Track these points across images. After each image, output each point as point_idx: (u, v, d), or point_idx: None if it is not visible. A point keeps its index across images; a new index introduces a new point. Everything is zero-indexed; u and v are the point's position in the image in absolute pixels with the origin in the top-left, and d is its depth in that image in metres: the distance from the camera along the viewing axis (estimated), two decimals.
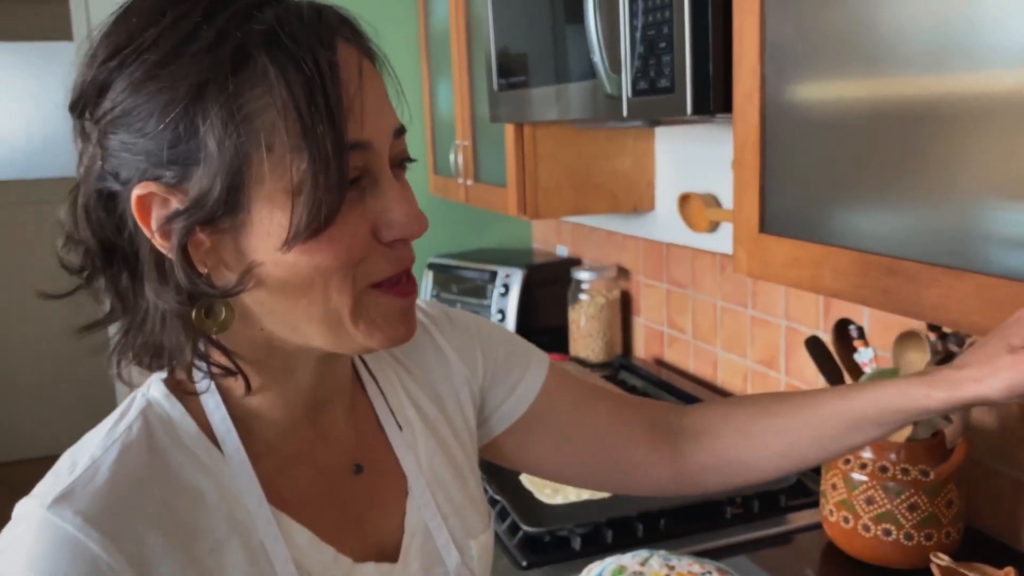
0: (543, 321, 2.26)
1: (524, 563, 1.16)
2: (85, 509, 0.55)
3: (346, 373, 0.71)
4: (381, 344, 0.61)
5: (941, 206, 0.79)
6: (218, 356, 0.61)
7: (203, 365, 0.60)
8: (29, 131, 4.04)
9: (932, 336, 1.13)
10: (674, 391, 1.82)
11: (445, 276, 2.42)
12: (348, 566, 0.65)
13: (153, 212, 0.56)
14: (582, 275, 2.11)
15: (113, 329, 0.63)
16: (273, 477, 0.63)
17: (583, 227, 2.35)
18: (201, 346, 0.60)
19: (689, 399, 1.76)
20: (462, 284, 2.37)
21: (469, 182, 2.14)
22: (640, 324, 2.11)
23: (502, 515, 1.27)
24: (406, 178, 0.63)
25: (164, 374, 0.64)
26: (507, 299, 2.24)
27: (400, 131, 0.61)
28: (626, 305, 2.15)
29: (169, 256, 0.56)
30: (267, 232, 0.55)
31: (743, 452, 0.80)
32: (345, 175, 0.55)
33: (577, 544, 1.19)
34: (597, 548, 1.18)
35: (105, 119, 0.56)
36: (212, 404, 0.62)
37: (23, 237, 3.98)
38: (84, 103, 0.58)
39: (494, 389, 0.84)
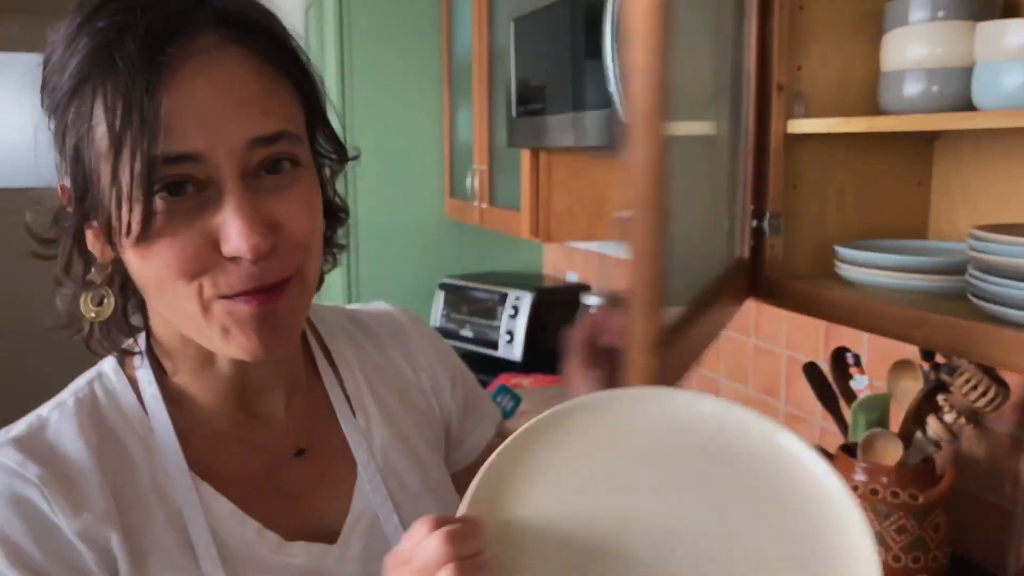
0: (551, 343, 2.30)
1: None
2: (26, 450, 0.62)
3: (289, 361, 0.74)
4: (238, 353, 0.62)
5: None
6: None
7: (114, 337, 0.68)
8: (29, 140, 4.13)
9: (925, 365, 1.17)
10: None
11: (456, 296, 2.47)
12: (275, 542, 0.67)
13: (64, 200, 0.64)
14: (591, 300, 2.16)
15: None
16: (202, 451, 0.68)
17: (593, 254, 2.40)
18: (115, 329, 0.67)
19: None
20: (472, 305, 2.42)
21: (484, 205, 2.20)
22: None
23: None
24: (312, 186, 0.64)
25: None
26: (516, 321, 2.29)
27: (261, 140, 0.59)
28: None
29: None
30: (114, 231, 0.58)
31: None
32: (148, 187, 0.56)
33: None
34: None
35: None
36: (146, 380, 0.68)
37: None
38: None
39: (456, 425, 0.87)
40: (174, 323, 0.65)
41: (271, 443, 0.71)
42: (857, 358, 1.26)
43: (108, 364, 0.70)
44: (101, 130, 0.57)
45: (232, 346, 0.62)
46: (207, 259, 0.58)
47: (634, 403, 0.61)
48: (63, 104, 0.59)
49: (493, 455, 0.58)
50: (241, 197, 0.58)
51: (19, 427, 0.65)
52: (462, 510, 0.55)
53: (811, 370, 1.28)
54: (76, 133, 0.59)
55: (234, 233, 0.57)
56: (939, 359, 1.16)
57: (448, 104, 2.55)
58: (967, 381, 1.07)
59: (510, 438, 0.60)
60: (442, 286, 2.54)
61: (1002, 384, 1.06)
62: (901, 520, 1.12)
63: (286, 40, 0.64)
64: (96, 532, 0.60)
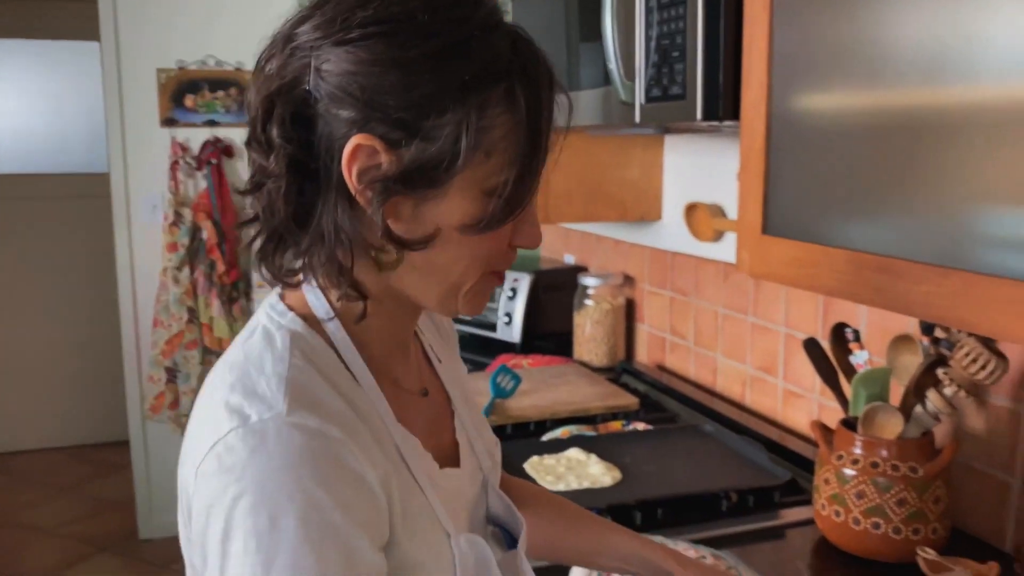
0: (549, 325, 2.31)
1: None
2: (314, 411, 0.62)
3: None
4: (471, 312, 0.73)
5: (933, 210, 0.84)
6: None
7: (347, 290, 0.68)
8: (52, 128, 4.12)
9: (925, 340, 1.18)
10: (675, 395, 1.87)
11: None
12: (440, 471, 0.76)
13: (359, 160, 0.63)
14: (588, 281, 2.16)
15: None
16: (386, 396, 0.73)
17: (590, 236, 2.40)
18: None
19: (690, 403, 1.81)
20: None
21: None
22: (643, 331, 2.16)
23: None
24: None
25: (277, 302, 0.71)
26: (515, 303, 2.29)
27: None
28: (630, 312, 2.20)
29: (363, 204, 0.64)
30: (452, 213, 0.65)
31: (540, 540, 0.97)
32: (535, 192, 0.69)
33: None
34: None
35: (350, 53, 0.62)
36: (339, 335, 0.70)
37: (44, 230, 4.06)
38: (332, 21, 0.63)
39: None
40: (417, 280, 0.69)
41: (412, 386, 0.79)
42: (856, 333, 1.27)
43: (290, 321, 0.69)
44: (500, 133, 0.64)
45: (466, 307, 0.72)
46: (504, 245, 0.71)
47: None
48: (453, 89, 0.62)
49: None
50: (534, 204, 0.71)
51: (276, 390, 0.63)
52: None
53: (811, 346, 1.29)
54: (466, 123, 0.62)
55: (532, 233, 0.72)
56: (939, 333, 1.17)
57: None
58: (967, 354, 1.08)
59: None
60: None
61: (1001, 357, 1.07)
62: (901, 493, 1.13)
63: None
64: (385, 477, 0.65)
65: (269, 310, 0.71)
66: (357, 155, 0.63)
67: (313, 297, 0.70)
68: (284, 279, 0.70)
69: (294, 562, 0.57)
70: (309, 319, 0.70)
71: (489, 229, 0.66)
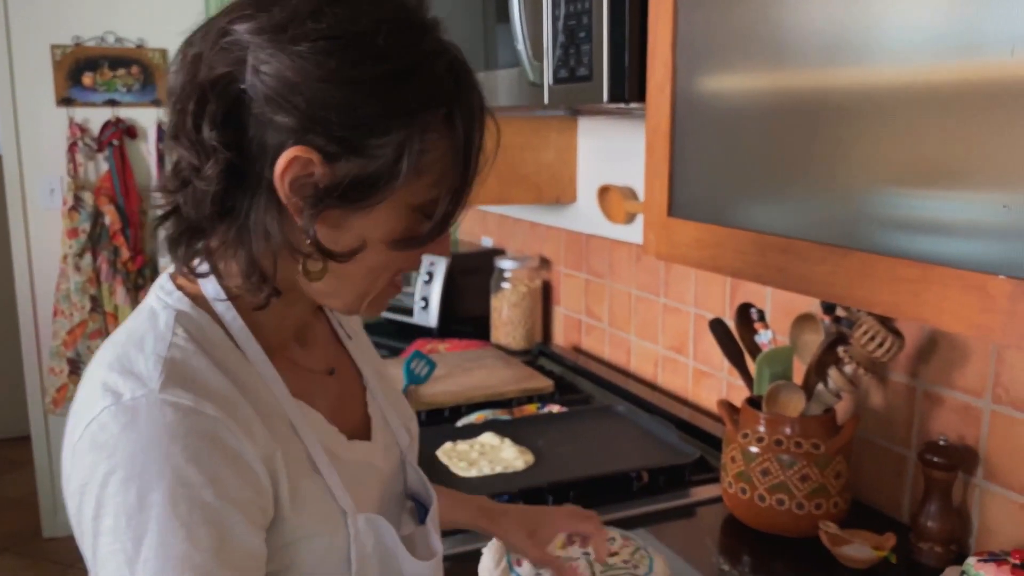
0: (466, 309, 2.29)
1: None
2: (190, 388, 0.62)
3: None
4: (371, 315, 0.75)
5: (832, 191, 0.85)
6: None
7: (259, 285, 0.67)
8: None
9: (826, 319, 1.21)
10: (590, 377, 1.87)
11: None
12: (347, 443, 0.76)
13: (292, 170, 0.63)
14: (505, 264, 2.15)
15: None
16: (282, 374, 0.74)
17: (508, 219, 2.39)
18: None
19: (605, 385, 1.82)
20: None
21: None
22: (560, 313, 2.17)
23: None
24: None
25: (166, 282, 0.71)
26: (431, 286, 2.27)
27: None
28: (547, 294, 2.20)
29: (292, 211, 0.64)
30: (378, 226, 0.67)
31: None
32: (459, 214, 0.71)
33: None
34: None
35: (295, 63, 0.61)
36: (230, 316, 0.70)
37: None
38: (281, 28, 0.61)
39: None
40: (329, 285, 0.70)
41: (314, 365, 0.80)
42: (761, 313, 1.29)
43: (177, 301, 0.69)
44: (435, 157, 0.66)
45: (368, 310, 0.74)
46: (415, 254, 0.72)
47: None
48: (395, 113, 0.64)
49: None
50: None
51: (153, 368, 0.63)
52: None
53: (717, 326, 1.31)
54: (404, 146, 0.64)
55: (445, 246, 0.72)
56: (840, 312, 1.19)
57: None
58: (865, 332, 1.11)
59: None
60: None
61: (898, 335, 1.10)
62: (804, 469, 1.16)
63: None
64: (268, 454, 0.65)
65: (158, 290, 0.71)
66: (292, 165, 0.63)
67: (205, 280, 0.70)
68: (192, 268, 0.69)
69: (162, 540, 0.58)
70: (198, 299, 0.70)
71: (419, 246, 0.69)
